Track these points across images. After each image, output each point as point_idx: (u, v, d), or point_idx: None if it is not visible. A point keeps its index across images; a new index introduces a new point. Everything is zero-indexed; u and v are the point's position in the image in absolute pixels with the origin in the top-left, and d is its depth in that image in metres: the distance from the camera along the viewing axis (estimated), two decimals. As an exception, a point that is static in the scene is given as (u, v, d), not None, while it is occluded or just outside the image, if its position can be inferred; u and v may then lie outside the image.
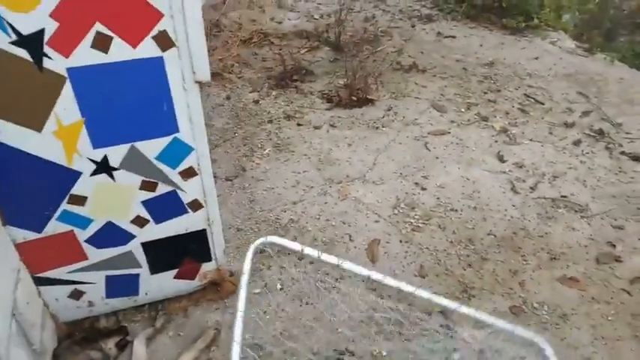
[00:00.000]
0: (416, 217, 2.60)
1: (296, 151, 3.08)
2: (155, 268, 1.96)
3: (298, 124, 3.32)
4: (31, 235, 1.68)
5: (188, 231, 1.90)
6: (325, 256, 1.78)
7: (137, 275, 1.96)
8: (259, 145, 3.13)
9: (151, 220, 1.81)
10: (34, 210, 1.63)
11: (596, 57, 4.54)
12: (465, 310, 1.61)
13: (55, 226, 1.69)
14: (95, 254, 1.82)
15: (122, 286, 1.96)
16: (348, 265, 1.81)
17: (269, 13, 5.01)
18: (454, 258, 2.39)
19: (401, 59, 4.18)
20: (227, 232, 2.43)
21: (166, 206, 1.80)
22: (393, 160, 3.02)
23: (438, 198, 2.74)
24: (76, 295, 1.91)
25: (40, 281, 1.82)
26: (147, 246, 1.88)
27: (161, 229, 1.85)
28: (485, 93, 3.78)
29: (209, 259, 2.03)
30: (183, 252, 1.97)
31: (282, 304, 2.17)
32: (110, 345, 1.95)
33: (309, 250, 1.84)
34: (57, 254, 1.77)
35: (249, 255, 1.74)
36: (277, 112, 3.45)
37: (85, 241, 1.78)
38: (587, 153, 3.14)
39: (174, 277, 2.03)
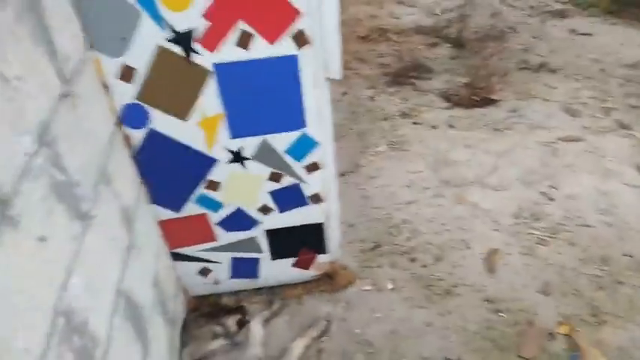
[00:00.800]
0: (541, 229, 2.43)
1: (411, 150, 3.03)
2: (275, 254, 2.06)
3: (414, 123, 3.27)
4: (171, 214, 1.86)
5: (307, 222, 1.97)
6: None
7: (258, 260, 2.07)
8: (374, 142, 3.13)
9: (275, 209, 1.91)
10: (175, 192, 1.80)
11: None
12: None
13: (191, 208, 1.85)
14: (223, 237, 1.97)
15: (245, 268, 2.09)
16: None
17: (388, 8, 4.97)
18: (584, 278, 2.19)
19: (529, 58, 3.92)
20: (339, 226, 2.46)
21: (290, 197, 1.88)
22: (517, 166, 2.85)
23: (567, 210, 2.53)
24: (204, 272, 2.08)
25: (175, 257, 2.00)
26: (270, 233, 1.98)
27: (283, 219, 1.94)
28: (627, 97, 3.41)
29: (324, 252, 2.09)
30: (302, 242, 2.04)
31: (392, 304, 2.16)
32: (231, 322, 2.09)
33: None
34: (191, 233, 1.94)
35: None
36: (393, 109, 3.43)
37: (216, 223, 1.92)
38: None
39: (292, 265, 2.12)
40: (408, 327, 2.08)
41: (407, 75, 3.77)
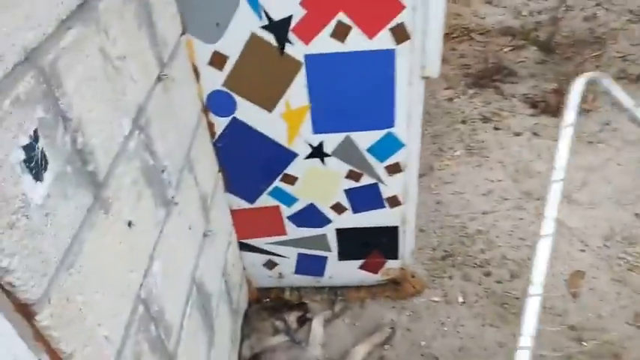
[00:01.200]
0: (635, 254, 2.20)
1: (490, 157, 2.86)
2: (343, 254, 2.00)
3: (495, 128, 3.08)
4: (244, 205, 1.83)
5: (381, 225, 1.88)
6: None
7: (325, 258, 2.01)
8: (450, 146, 2.99)
9: (349, 208, 1.83)
10: (251, 182, 1.77)
11: None
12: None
13: (265, 200, 1.82)
14: (293, 231, 1.92)
15: (310, 265, 2.04)
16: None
17: (473, 7, 4.74)
18: (682, 313, 1.97)
19: (627, 67, 3.59)
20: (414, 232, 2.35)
21: (366, 198, 1.80)
22: (609, 183, 2.61)
23: (665, 236, 2.29)
24: (270, 265, 2.05)
25: (243, 247, 1.98)
26: (340, 232, 1.91)
27: (356, 219, 1.87)
28: None
29: (395, 257, 1.99)
30: (372, 245, 1.96)
31: (462, 319, 2.04)
32: (292, 318, 2.05)
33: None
34: (261, 225, 1.91)
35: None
36: (472, 112, 3.25)
37: (288, 217, 1.88)
38: None
39: (359, 268, 2.04)
40: (478, 345, 1.96)
41: (489, 77, 3.57)
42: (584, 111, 3.14)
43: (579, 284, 2.12)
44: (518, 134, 3.02)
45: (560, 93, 3.24)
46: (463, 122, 3.17)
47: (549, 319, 2.02)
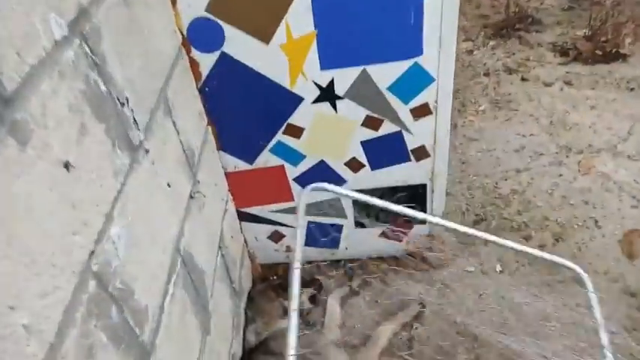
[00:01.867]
0: (699, 208, 1.90)
1: (520, 110, 2.54)
2: (359, 221, 1.70)
3: (523, 79, 2.75)
4: (242, 165, 1.54)
5: (405, 184, 1.58)
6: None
7: (340, 227, 1.72)
8: (473, 100, 2.66)
9: (366, 164, 1.53)
10: (248, 137, 1.47)
11: None
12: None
13: (266, 158, 1.52)
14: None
15: (323, 235, 1.74)
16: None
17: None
18: None
19: (664, 7, 3.22)
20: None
21: (387, 150, 1.49)
22: (659, 131, 2.29)
23: None
24: (276, 237, 1.76)
25: (243, 217, 1.70)
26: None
27: (375, 178, 1.57)
28: None
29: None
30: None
31: (502, 291, 1.75)
32: (304, 297, 1.76)
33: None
34: (264, 190, 1.62)
35: (302, 206, 1.31)
36: (495, 64, 2.92)
37: (294, 179, 1.58)
38: None
39: (379, 236, 1.75)
40: (523, 320, 1.66)
41: (511, 27, 3.22)
42: (621, 57, 2.80)
43: (636, 244, 1.82)
44: (548, 84, 2.69)
45: (594, 39, 2.90)
46: (486, 75, 2.84)
47: (605, 286, 1.73)
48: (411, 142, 1.47)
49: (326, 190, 1.46)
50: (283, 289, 1.76)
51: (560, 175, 2.14)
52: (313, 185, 1.44)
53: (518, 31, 3.20)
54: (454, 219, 2.01)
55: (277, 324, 1.64)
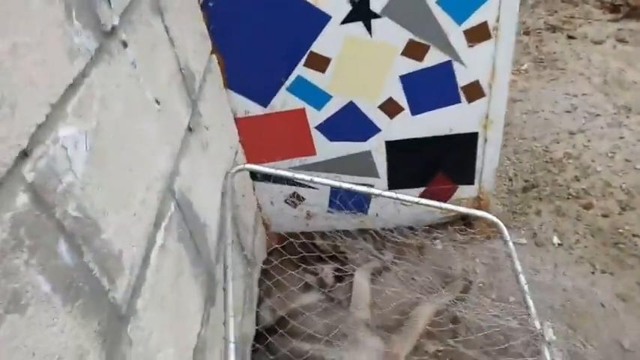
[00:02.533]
0: None
1: (567, 69, 2.24)
2: (395, 181, 1.44)
3: (569, 37, 2.45)
4: (255, 109, 1.28)
5: (452, 132, 1.31)
6: None
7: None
8: (514, 59, 2.36)
9: (405, 107, 1.26)
10: (263, 70, 1.21)
11: None
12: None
13: (284, 100, 1.26)
14: (325, 149, 1.36)
15: (349, 198, 1.48)
16: None
17: None
18: None
19: None
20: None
21: (432, 88, 1.22)
22: None
23: None
24: (294, 200, 1.50)
25: (255, 176, 1.44)
26: (392, 147, 1.35)
27: (415, 125, 1.30)
28: None
29: (470, 181, 1.42)
30: (437, 164, 1.39)
31: (562, 266, 1.47)
32: (327, 272, 1.51)
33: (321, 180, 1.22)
34: (280, 141, 1.36)
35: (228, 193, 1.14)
36: (536, 22, 2.62)
37: (317, 127, 1.32)
38: None
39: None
40: (589, 299, 1.39)
41: (551, -16, 2.91)
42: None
43: None
44: (598, 42, 2.39)
45: (647, -7, 2.57)
46: (526, 34, 2.54)
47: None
48: (463, 77, 1.19)
49: (255, 171, 1.26)
50: (302, 261, 1.50)
51: (622, 138, 1.85)
52: (238, 167, 1.24)
53: (559, -12, 2.89)
54: (500, 185, 1.74)
55: (297, 300, 1.39)
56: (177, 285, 0.80)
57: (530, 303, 1.26)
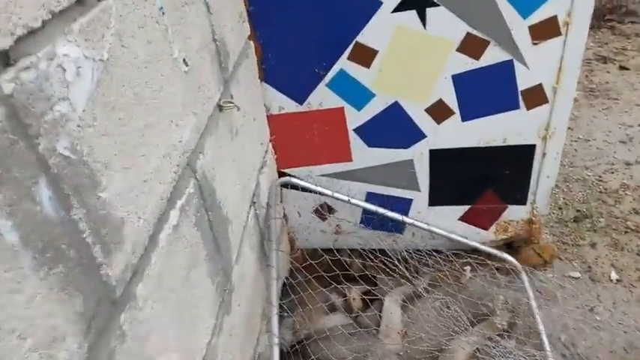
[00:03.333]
0: None
1: (621, 99, 2.10)
2: (437, 196, 1.30)
3: (622, 67, 2.32)
4: (290, 106, 1.17)
5: (505, 143, 1.17)
6: None
7: (409, 202, 1.32)
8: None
9: (456, 111, 1.14)
10: (302, 62, 1.11)
11: None
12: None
13: (322, 97, 1.15)
14: (363, 155, 1.24)
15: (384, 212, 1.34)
16: None
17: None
18: None
19: None
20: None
21: (487, 90, 1.09)
22: None
23: None
24: (324, 211, 1.37)
25: (284, 182, 1.32)
26: (436, 157, 1.22)
27: (465, 132, 1.16)
28: None
29: (522, 201, 1.27)
30: (486, 179, 1.25)
31: (621, 304, 1.29)
32: (354, 295, 1.36)
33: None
34: (315, 143, 1.24)
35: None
36: (585, 53, 2.48)
37: (355, 130, 1.20)
38: None
39: (460, 219, 1.33)
40: (657, 349, 1.20)
41: (601, 17, 2.80)
42: None
43: None
44: (654, 74, 2.24)
45: None
46: (574, 63, 2.41)
47: None
48: (524, 79, 1.07)
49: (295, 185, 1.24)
50: (328, 280, 1.35)
51: (688, 172, 1.68)
52: (283, 179, 1.24)
53: (609, 22, 2.77)
54: (549, 213, 1.58)
55: (321, 321, 1.23)
56: (190, 280, 0.67)
57: None
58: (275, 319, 0.95)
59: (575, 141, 1.89)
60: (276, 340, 0.89)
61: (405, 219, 1.30)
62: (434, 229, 1.31)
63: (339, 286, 1.34)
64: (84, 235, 0.43)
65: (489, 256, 1.40)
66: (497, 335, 1.25)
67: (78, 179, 0.43)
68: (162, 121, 0.60)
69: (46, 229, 0.38)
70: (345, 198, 1.24)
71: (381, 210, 1.27)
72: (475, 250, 1.39)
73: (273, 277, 1.05)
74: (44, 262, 0.38)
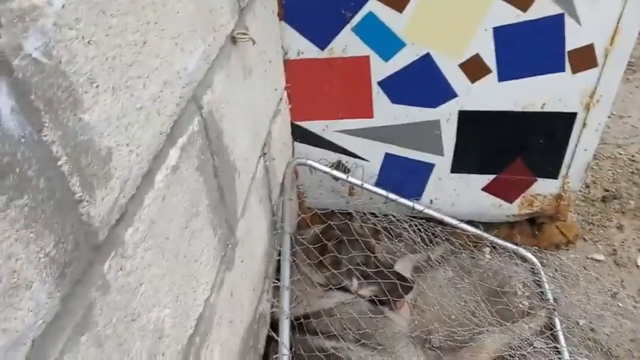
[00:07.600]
0: None
1: (661, 76, 1.96)
2: (461, 163, 1.20)
3: (664, 42, 2.15)
4: (310, 50, 1.07)
5: (544, 109, 1.07)
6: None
7: (430, 167, 1.23)
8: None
9: (493, 69, 1.03)
10: (327, 1, 1.00)
11: None
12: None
13: (346, 42, 1.04)
14: (385, 112, 1.14)
15: (403, 176, 1.25)
16: None
17: None
18: None
19: None
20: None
21: (531, 48, 0.98)
22: None
23: None
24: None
25: (297, 135, 1.23)
26: (465, 119, 1.12)
27: (501, 94, 1.06)
28: None
29: (554, 175, 1.18)
30: (517, 147, 1.15)
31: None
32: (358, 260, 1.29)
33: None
34: (334, 95, 1.14)
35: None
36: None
37: (380, 83, 1.10)
38: None
39: (483, 189, 1.24)
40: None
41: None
42: None
43: None
44: (700, 51, 2.08)
45: None
46: (613, 33, 2.25)
47: None
48: (574, 38, 0.95)
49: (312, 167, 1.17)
50: (338, 246, 1.27)
51: None
52: (299, 160, 1.17)
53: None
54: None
55: (323, 301, 1.15)
56: (190, 230, 0.60)
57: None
58: (287, 295, 0.94)
59: (608, 117, 1.77)
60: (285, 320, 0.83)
61: (417, 206, 1.23)
62: (446, 218, 1.25)
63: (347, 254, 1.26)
64: (59, 163, 0.35)
65: (511, 232, 1.32)
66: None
67: (52, 92, 0.34)
68: (164, 41, 0.51)
69: (5, 147, 0.30)
70: (359, 182, 1.18)
71: (392, 196, 1.20)
72: (496, 229, 1.31)
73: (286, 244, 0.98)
74: (3, 189, 0.30)
